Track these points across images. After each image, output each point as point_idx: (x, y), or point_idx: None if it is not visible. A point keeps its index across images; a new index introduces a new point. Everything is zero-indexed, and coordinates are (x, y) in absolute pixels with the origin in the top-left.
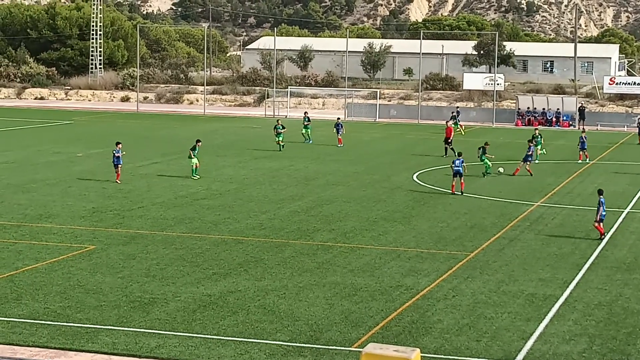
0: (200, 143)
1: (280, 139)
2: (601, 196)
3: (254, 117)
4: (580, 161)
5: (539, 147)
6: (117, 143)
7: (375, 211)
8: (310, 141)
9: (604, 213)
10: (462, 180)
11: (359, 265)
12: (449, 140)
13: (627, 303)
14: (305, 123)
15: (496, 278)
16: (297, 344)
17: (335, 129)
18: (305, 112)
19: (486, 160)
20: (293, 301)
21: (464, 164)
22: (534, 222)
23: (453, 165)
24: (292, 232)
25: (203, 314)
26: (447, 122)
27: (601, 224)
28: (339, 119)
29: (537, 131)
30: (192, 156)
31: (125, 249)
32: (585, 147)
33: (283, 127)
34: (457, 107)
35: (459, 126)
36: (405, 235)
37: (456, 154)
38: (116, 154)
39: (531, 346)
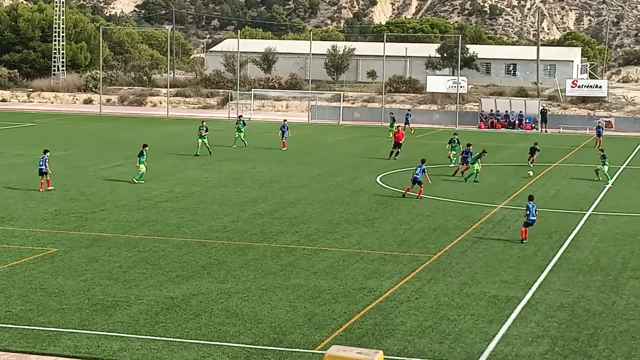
0: (147, 148)
1: (205, 140)
2: (530, 202)
3: (218, 119)
4: (531, 165)
5: (455, 152)
6: (45, 151)
7: (339, 214)
8: (247, 144)
9: (532, 218)
10: (422, 188)
11: (322, 267)
12: (399, 144)
13: (589, 305)
14: (239, 127)
15: (459, 280)
16: (260, 347)
17: (280, 131)
18: (240, 116)
19: (476, 166)
20: (256, 304)
21: (425, 172)
22: (496, 224)
23: (415, 172)
24: (255, 234)
25: (166, 317)
26: (398, 126)
27: (527, 228)
28: (285, 121)
29: (455, 136)
30: (140, 162)
31: (87, 252)
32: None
33: (207, 130)
34: (391, 112)
35: (399, 129)
36: (369, 238)
37: (393, 158)
38: (42, 163)
39: (494, 348)
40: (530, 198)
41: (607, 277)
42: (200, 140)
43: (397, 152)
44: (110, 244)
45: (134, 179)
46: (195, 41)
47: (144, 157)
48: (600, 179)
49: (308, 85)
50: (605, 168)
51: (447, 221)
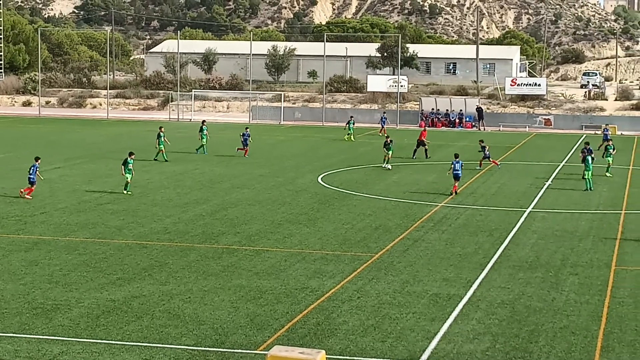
0: (133, 156)
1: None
2: (456, 159)
3: (158, 120)
4: (479, 167)
5: (391, 152)
6: (37, 158)
7: (280, 214)
8: (206, 152)
9: (456, 172)
10: (457, 184)
11: (264, 268)
12: (422, 142)
13: (530, 301)
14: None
15: (401, 279)
16: (202, 348)
17: (242, 138)
18: (204, 121)
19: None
20: (198, 305)
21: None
22: (437, 222)
23: (453, 169)
24: (196, 235)
25: (107, 320)
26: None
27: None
28: (247, 128)
29: (389, 139)
30: (126, 171)
31: (27, 255)
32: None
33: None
34: (352, 116)
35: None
36: (310, 238)
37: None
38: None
39: (435, 346)
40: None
41: (547, 273)
42: (159, 145)
43: (426, 150)
44: (51, 247)
45: (123, 191)
46: (135, 42)
47: (130, 164)
48: (610, 175)
49: (249, 85)
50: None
51: (388, 220)
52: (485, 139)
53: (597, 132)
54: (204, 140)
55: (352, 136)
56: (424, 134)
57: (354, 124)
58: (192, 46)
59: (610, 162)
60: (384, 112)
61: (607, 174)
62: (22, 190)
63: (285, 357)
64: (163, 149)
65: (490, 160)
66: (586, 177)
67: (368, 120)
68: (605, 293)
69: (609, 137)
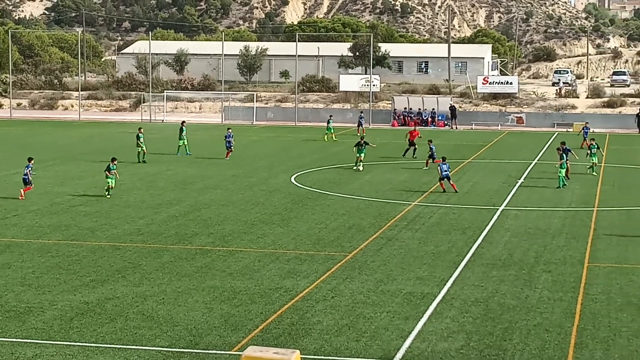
0: (116, 161)
1: (143, 148)
2: (443, 162)
3: (130, 122)
4: (426, 168)
5: (363, 154)
6: (30, 159)
7: (254, 214)
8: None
9: (445, 172)
10: (452, 182)
11: (237, 268)
12: (413, 143)
13: (503, 299)
14: (182, 133)
15: (375, 278)
16: (177, 349)
17: (226, 140)
18: (183, 122)
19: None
20: (172, 306)
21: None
22: (411, 221)
23: (440, 170)
24: (170, 237)
25: (80, 322)
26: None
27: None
28: (229, 129)
29: (362, 140)
30: (109, 176)
31: None
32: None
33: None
34: (330, 115)
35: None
36: (284, 238)
37: (428, 159)
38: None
39: (410, 344)
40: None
41: (521, 271)
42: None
43: (414, 150)
44: (23, 249)
45: (106, 195)
46: (106, 43)
47: (113, 170)
48: (592, 172)
49: (221, 86)
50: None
51: (361, 219)
52: (458, 138)
53: (569, 129)
54: (184, 141)
55: (332, 135)
56: (415, 134)
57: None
58: (163, 47)
59: (595, 161)
60: (361, 112)
61: (593, 173)
62: (22, 191)
63: (259, 358)
64: (145, 149)
65: (433, 161)
66: (560, 174)
67: (341, 119)
68: (578, 290)
69: (587, 135)
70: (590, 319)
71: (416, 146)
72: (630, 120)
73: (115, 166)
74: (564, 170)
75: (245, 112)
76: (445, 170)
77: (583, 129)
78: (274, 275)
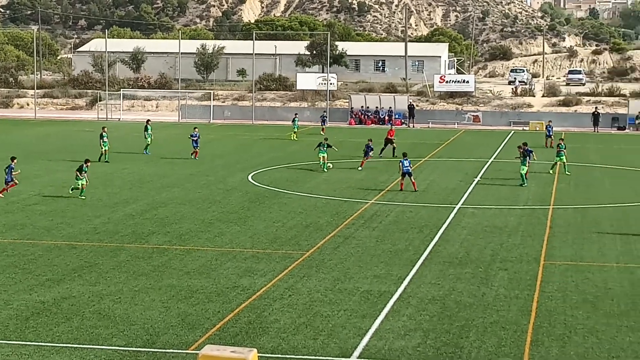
0: (89, 163)
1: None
2: (405, 158)
3: (87, 120)
4: (360, 168)
5: (325, 154)
6: (13, 158)
7: (211, 213)
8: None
9: (406, 168)
10: (413, 179)
11: (195, 267)
12: (391, 140)
13: (460, 297)
14: (147, 132)
15: (332, 276)
16: (134, 349)
17: (191, 139)
18: (148, 120)
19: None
20: (129, 305)
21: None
22: (368, 219)
23: (402, 165)
24: (126, 235)
25: (36, 321)
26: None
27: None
28: (195, 128)
29: (325, 140)
30: (79, 177)
31: None
32: (369, 154)
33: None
34: (296, 113)
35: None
36: (241, 236)
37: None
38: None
39: (367, 342)
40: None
41: (477, 269)
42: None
43: (394, 148)
44: None
45: (80, 196)
46: (62, 41)
47: (85, 172)
48: (551, 171)
49: (178, 84)
50: (524, 169)
51: (319, 218)
52: (415, 136)
53: (525, 128)
54: (149, 140)
55: (295, 135)
56: (392, 133)
57: (298, 121)
58: (120, 45)
59: (564, 160)
60: (324, 111)
61: (551, 171)
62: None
63: (216, 357)
64: (107, 149)
65: (366, 158)
66: (521, 172)
67: (298, 118)
68: (534, 288)
69: (551, 133)
70: (546, 317)
71: (394, 145)
72: (585, 119)
73: (87, 168)
74: (526, 168)
75: (202, 111)
76: (407, 166)
77: (546, 127)
78: (231, 274)
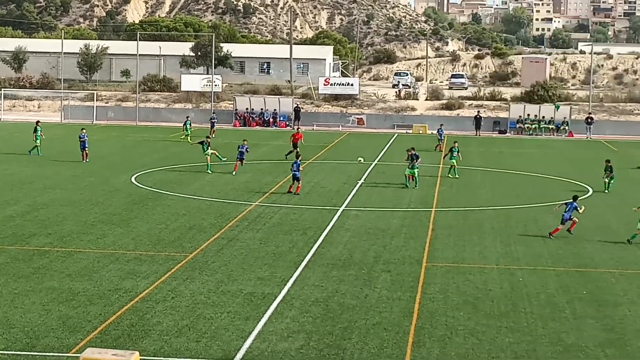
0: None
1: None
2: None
3: None
4: (234, 172)
5: (208, 154)
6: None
7: (93, 214)
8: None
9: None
10: (299, 184)
11: (76, 269)
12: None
13: (343, 299)
14: (39, 133)
15: (215, 278)
16: (13, 352)
17: (80, 140)
18: (38, 122)
19: (414, 171)
20: (8, 308)
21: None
22: (252, 221)
23: (292, 168)
24: (6, 237)
25: None
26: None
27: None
28: (83, 129)
29: (208, 139)
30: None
31: None
32: (243, 157)
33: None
34: (188, 116)
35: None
36: (124, 238)
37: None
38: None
39: (250, 345)
40: (297, 155)
41: (360, 271)
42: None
43: (298, 152)
44: None
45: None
46: None
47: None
48: (450, 175)
49: (60, 84)
50: (416, 171)
51: (202, 220)
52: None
53: (408, 131)
54: (38, 141)
55: (185, 136)
56: (298, 137)
57: (190, 124)
58: (0, 44)
59: (455, 163)
60: (214, 113)
61: (455, 176)
62: None
63: (98, 359)
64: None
65: (238, 161)
66: (406, 173)
67: (182, 119)
68: (416, 289)
69: (443, 137)
70: (428, 318)
71: (298, 149)
72: (468, 123)
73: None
74: (416, 171)
75: (85, 111)
76: (295, 170)
77: (438, 131)
78: (113, 276)
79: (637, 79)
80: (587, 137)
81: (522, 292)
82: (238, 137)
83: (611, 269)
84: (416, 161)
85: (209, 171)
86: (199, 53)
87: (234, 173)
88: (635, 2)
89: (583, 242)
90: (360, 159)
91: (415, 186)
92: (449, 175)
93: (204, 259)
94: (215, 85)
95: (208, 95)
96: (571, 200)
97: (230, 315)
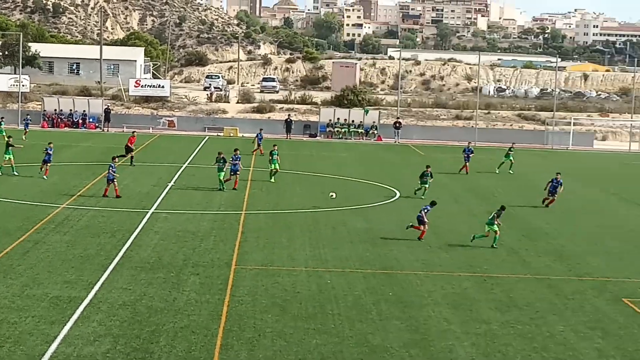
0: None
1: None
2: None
3: None
4: (45, 177)
5: (10, 156)
6: None
7: None
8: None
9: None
10: (116, 186)
11: None
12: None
13: (151, 302)
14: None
15: (20, 282)
16: None
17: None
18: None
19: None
20: None
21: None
22: (59, 224)
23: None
24: None
25: None
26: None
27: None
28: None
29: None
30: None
31: None
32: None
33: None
34: (27, 117)
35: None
36: None
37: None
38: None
39: (55, 349)
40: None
41: (169, 274)
42: None
43: (132, 157)
44: None
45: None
46: None
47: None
48: (273, 180)
49: None
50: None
51: (7, 222)
52: (110, 140)
53: (219, 134)
54: None
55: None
56: (132, 140)
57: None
58: None
59: (277, 167)
60: (28, 115)
61: (272, 180)
62: None
63: None
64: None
65: (45, 164)
66: (220, 177)
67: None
68: (225, 292)
69: (261, 141)
70: (236, 320)
71: (132, 153)
72: (278, 126)
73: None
74: (223, 174)
75: None
76: (110, 173)
77: (257, 135)
78: None
79: (444, 85)
80: (396, 142)
81: (329, 294)
82: (46, 138)
83: (417, 271)
84: (224, 165)
85: (15, 173)
86: (6, 52)
87: (45, 177)
88: (442, 10)
89: (389, 244)
90: (332, 194)
91: (221, 188)
92: (272, 180)
93: (9, 262)
94: (23, 86)
95: (15, 95)
96: (429, 205)
97: (35, 319)
